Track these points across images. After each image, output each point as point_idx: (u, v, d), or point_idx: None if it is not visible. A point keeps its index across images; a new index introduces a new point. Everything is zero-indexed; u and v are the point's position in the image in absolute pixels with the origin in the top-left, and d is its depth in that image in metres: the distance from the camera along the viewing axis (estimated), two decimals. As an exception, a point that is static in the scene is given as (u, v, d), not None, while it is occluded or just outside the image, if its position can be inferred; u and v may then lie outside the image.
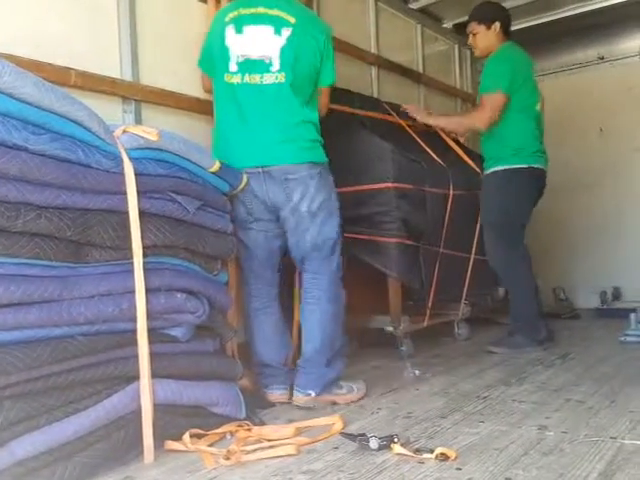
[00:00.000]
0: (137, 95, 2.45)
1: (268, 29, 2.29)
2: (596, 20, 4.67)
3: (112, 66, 2.40)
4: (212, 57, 2.42)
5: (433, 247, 3.25)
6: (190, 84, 2.65)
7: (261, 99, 2.29)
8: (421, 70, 4.70)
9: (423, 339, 3.37)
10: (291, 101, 2.29)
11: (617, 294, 4.60)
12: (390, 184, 2.93)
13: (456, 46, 5.24)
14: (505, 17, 3.40)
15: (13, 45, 1.99)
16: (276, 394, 2.37)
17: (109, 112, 2.29)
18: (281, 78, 2.28)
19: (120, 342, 1.70)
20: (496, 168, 3.30)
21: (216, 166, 2.10)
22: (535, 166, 3.28)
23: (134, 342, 1.71)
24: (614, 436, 1.81)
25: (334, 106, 2.92)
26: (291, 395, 2.36)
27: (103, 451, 1.60)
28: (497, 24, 3.35)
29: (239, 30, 2.31)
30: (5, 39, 2.00)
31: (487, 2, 3.49)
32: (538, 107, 3.39)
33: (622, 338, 3.37)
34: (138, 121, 2.44)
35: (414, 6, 4.61)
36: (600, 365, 2.83)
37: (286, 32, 2.28)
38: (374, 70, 4.15)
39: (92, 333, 1.63)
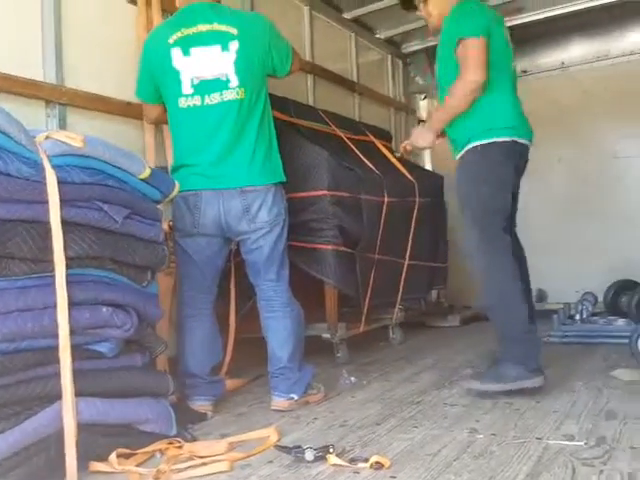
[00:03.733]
0: (62, 99, 2.35)
1: (215, 49, 2.27)
2: (520, 35, 4.84)
3: (34, 68, 2.29)
4: (154, 83, 2.37)
5: (369, 253, 3.27)
6: (118, 87, 2.57)
7: (223, 117, 2.28)
8: (355, 79, 4.75)
9: (358, 345, 3.39)
10: (252, 115, 2.32)
11: (542, 296, 4.74)
12: (326, 191, 2.94)
13: (389, 56, 5.32)
14: None
15: None
16: (196, 405, 2.33)
17: (32, 117, 2.20)
18: (241, 94, 2.29)
19: (41, 360, 1.61)
20: (470, 146, 2.47)
21: (146, 173, 2.03)
22: (519, 140, 2.49)
23: (56, 359, 1.62)
24: (540, 437, 1.86)
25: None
26: (213, 407, 2.35)
27: (23, 476, 1.51)
28: None
29: (186, 52, 2.27)
30: None
31: None
32: (514, 65, 2.67)
33: (545, 339, 3.47)
34: (63, 126, 2.35)
35: (348, 16, 4.65)
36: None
37: (233, 46, 2.28)
38: (310, 78, 4.16)
39: (11, 351, 1.54)
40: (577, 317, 3.71)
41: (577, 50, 4.94)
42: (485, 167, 2.47)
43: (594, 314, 3.81)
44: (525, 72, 5.00)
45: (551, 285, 4.72)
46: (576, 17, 4.59)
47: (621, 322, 3.57)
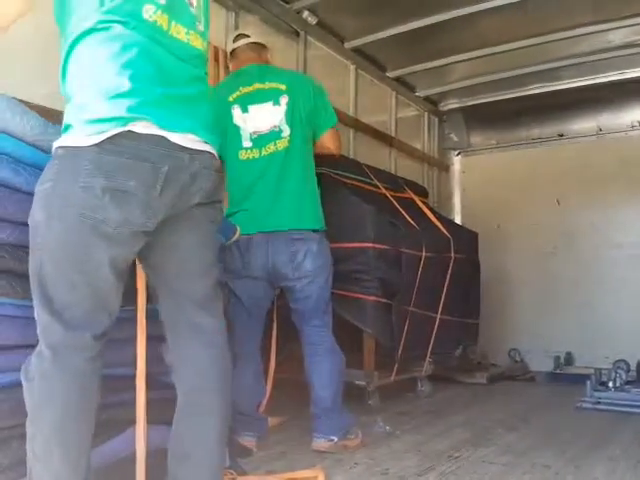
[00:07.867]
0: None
1: (268, 104, 2.52)
2: (557, 100, 5.04)
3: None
4: None
5: (404, 305, 3.37)
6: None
7: (275, 164, 2.48)
8: (393, 134, 4.94)
9: (387, 394, 3.45)
10: (301, 163, 2.52)
11: (569, 359, 4.78)
12: (370, 244, 3.08)
13: (426, 113, 5.54)
14: None
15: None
16: (244, 440, 2.42)
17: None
18: (292, 142, 2.50)
19: (117, 387, 1.73)
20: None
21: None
22: None
23: (132, 387, 1.74)
24: (586, 501, 1.88)
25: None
26: (257, 443, 2.44)
27: (97, 496, 1.61)
28: None
29: (245, 109, 2.52)
30: None
31: None
32: None
33: (578, 404, 3.50)
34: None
35: (391, 75, 4.87)
36: (560, 430, 2.93)
37: (283, 99, 2.51)
38: (351, 132, 4.35)
39: (95, 377, 1.65)
40: (610, 384, 3.70)
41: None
42: None
43: (627, 382, 3.78)
44: (561, 136, 5.21)
45: (579, 349, 4.76)
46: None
47: (655, 393, 3.52)
